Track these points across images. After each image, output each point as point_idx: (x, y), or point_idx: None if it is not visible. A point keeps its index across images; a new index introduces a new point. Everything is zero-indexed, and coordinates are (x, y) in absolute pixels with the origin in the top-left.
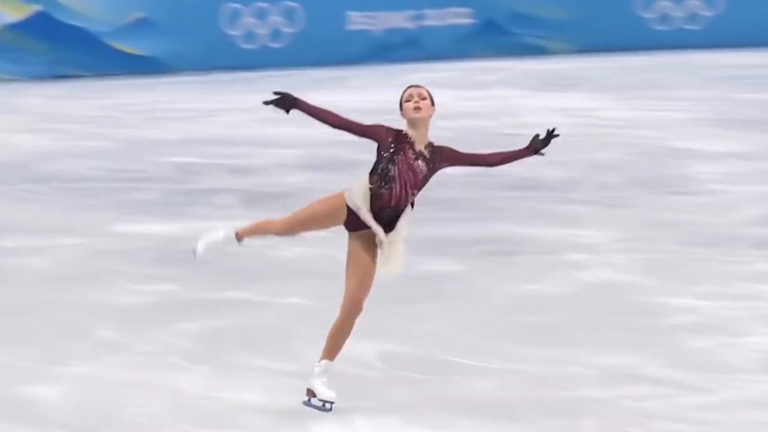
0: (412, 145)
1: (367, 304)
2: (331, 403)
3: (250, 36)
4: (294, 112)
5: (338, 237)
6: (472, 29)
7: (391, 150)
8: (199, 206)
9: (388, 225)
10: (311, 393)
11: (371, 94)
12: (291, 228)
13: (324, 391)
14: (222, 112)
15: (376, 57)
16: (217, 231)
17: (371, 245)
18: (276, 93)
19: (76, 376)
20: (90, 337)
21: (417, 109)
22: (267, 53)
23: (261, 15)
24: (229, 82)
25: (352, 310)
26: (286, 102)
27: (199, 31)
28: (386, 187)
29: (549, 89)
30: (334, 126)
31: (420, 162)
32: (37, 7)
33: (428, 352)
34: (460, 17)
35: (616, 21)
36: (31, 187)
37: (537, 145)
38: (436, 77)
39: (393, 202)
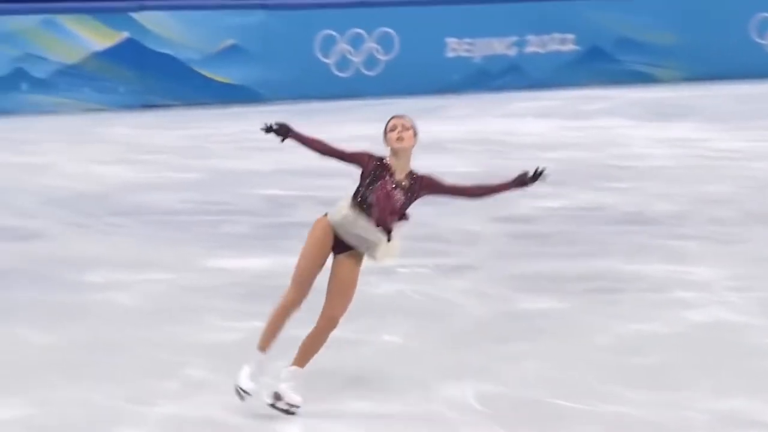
0: (392, 174)
1: (465, 342)
2: (296, 407)
3: (344, 63)
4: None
5: (435, 274)
6: (576, 56)
7: (372, 178)
8: (290, 240)
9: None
10: (277, 396)
11: (470, 123)
12: (298, 288)
13: (291, 396)
14: None
15: (476, 85)
16: (245, 367)
17: (354, 265)
18: (277, 123)
19: (163, 416)
20: (178, 376)
21: (400, 139)
22: (361, 81)
23: (355, 42)
24: (322, 111)
25: (327, 326)
26: (282, 131)
27: (292, 59)
28: (366, 212)
29: (657, 119)
30: (322, 153)
31: (398, 191)
32: (125, 34)
33: (529, 394)
34: (563, 43)
35: (728, 47)
36: (118, 220)
37: (524, 180)
38: (538, 106)
39: (377, 216)
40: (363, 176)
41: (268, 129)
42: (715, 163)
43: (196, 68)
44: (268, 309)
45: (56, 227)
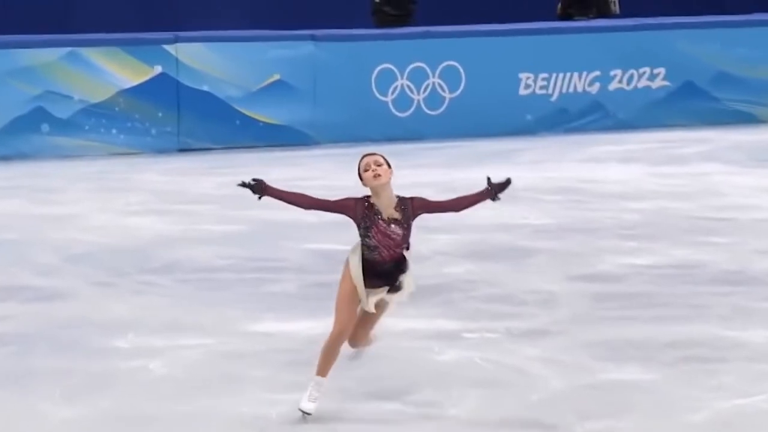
0: (380, 214)
1: (541, 418)
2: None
3: (403, 101)
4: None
5: (507, 340)
6: (667, 93)
7: (365, 224)
8: None
9: (392, 274)
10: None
11: (546, 169)
12: (343, 324)
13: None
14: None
15: (552, 126)
16: (308, 390)
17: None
18: (253, 179)
19: None
20: None
21: (377, 176)
22: (423, 121)
23: (417, 77)
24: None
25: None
26: (258, 188)
27: (346, 96)
28: (374, 253)
29: (760, 165)
30: (306, 208)
31: (393, 227)
32: (158, 69)
33: None
34: (653, 79)
35: None
36: (150, 279)
37: (495, 189)
38: (624, 150)
39: (388, 260)
40: (357, 223)
41: (243, 185)
42: None
43: (238, 107)
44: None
45: (81, 286)
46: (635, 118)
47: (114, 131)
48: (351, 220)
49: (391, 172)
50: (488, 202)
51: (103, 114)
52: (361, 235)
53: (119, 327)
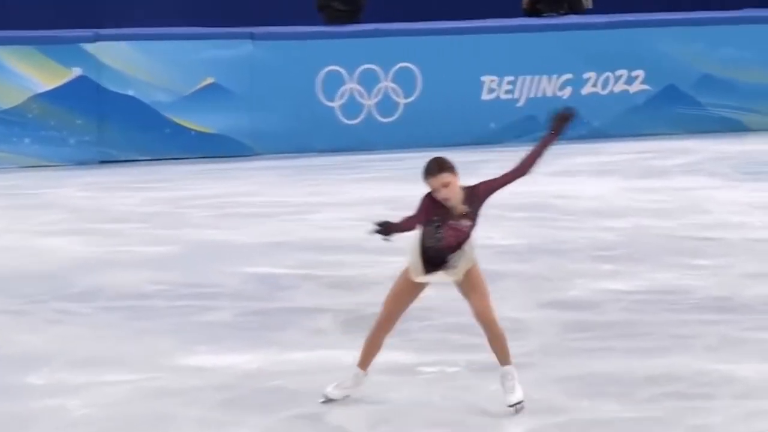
0: (450, 212)
1: None
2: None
3: (352, 108)
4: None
5: (469, 374)
6: (647, 98)
7: (436, 223)
8: (286, 331)
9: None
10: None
11: (512, 184)
12: (388, 310)
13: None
14: (318, 207)
15: (519, 135)
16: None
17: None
18: (377, 224)
19: None
20: None
21: (447, 199)
22: (375, 130)
23: (367, 80)
24: (325, 167)
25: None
26: (387, 229)
27: (288, 102)
28: (440, 242)
29: (750, 178)
30: (413, 229)
31: (463, 221)
32: (76, 71)
33: None
34: (631, 83)
35: None
36: (69, 307)
37: (558, 123)
38: (599, 162)
39: (454, 245)
40: (425, 222)
41: (376, 231)
42: None
43: (167, 114)
44: (254, 418)
45: None
46: (611, 126)
47: (27, 141)
48: None
49: (458, 181)
50: None
51: (14, 121)
52: (429, 230)
53: (33, 361)
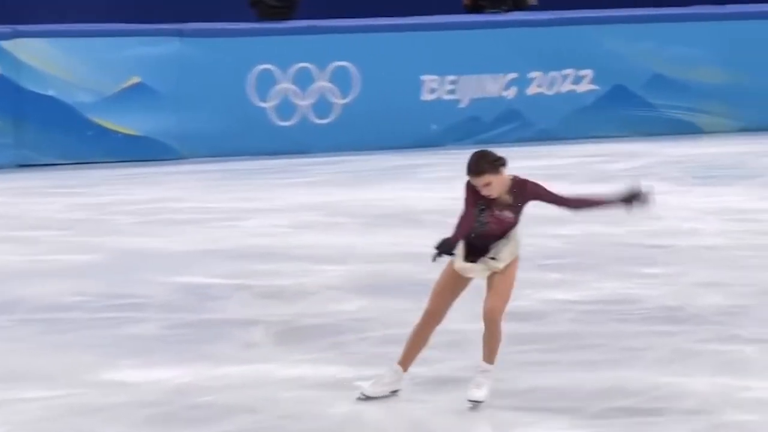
0: (495, 202)
1: None
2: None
3: (286, 109)
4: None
5: (410, 390)
6: (595, 99)
7: (480, 207)
8: (218, 344)
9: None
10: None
11: (454, 188)
12: (432, 307)
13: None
14: (250, 213)
15: (461, 137)
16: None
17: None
18: (438, 246)
19: None
20: None
21: (490, 195)
22: (310, 132)
23: (302, 80)
24: (257, 171)
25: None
26: (449, 246)
27: (218, 102)
28: (484, 228)
29: (702, 183)
30: (471, 225)
31: (506, 212)
32: None
33: None
34: (579, 82)
35: None
36: None
37: (633, 201)
38: (544, 165)
39: (499, 233)
40: (469, 207)
41: (440, 255)
42: None
43: (90, 115)
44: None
45: None
46: (558, 128)
47: None
48: None
49: (499, 176)
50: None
51: None
52: (474, 212)
53: None
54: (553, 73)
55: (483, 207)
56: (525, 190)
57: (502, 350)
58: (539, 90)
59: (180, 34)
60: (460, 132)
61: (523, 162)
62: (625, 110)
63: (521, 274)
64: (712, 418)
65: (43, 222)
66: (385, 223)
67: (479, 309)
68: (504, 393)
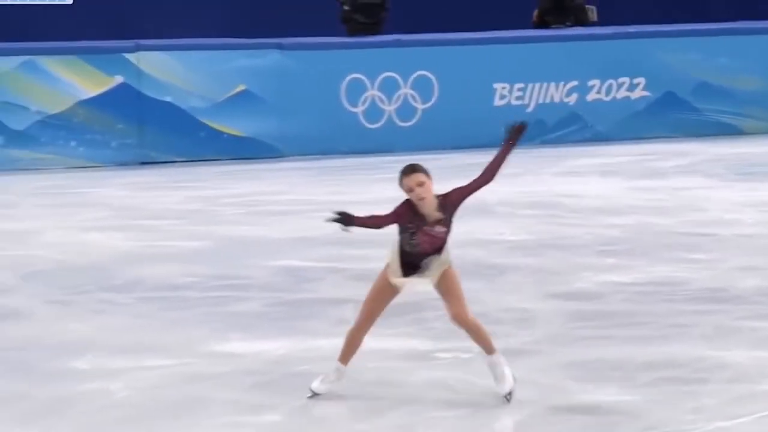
0: (424, 220)
1: None
2: (316, 393)
3: (374, 113)
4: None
5: (479, 359)
6: (647, 104)
7: (410, 230)
8: (312, 320)
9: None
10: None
11: (521, 183)
12: (367, 311)
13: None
14: (342, 205)
15: (529, 139)
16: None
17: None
18: (338, 213)
19: None
20: None
21: (421, 199)
22: (395, 133)
23: (388, 87)
24: (348, 168)
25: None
26: (347, 220)
27: (314, 107)
28: (417, 248)
29: (743, 179)
30: (378, 228)
31: (437, 228)
32: (118, 79)
33: None
34: (633, 89)
35: None
36: (111, 297)
37: (513, 134)
38: (602, 163)
39: (430, 251)
40: (400, 229)
41: (333, 220)
42: None
43: (202, 118)
44: (283, 400)
45: (37, 305)
46: (614, 130)
47: (72, 144)
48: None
49: (431, 184)
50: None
51: (61, 125)
52: (404, 237)
53: (77, 348)
54: (610, 81)
55: (413, 230)
56: (451, 200)
57: (566, 326)
58: (597, 96)
59: (280, 47)
60: (528, 133)
61: (582, 160)
62: (674, 114)
63: (581, 260)
64: (749, 387)
65: (160, 212)
66: (461, 214)
67: (543, 289)
68: (564, 364)
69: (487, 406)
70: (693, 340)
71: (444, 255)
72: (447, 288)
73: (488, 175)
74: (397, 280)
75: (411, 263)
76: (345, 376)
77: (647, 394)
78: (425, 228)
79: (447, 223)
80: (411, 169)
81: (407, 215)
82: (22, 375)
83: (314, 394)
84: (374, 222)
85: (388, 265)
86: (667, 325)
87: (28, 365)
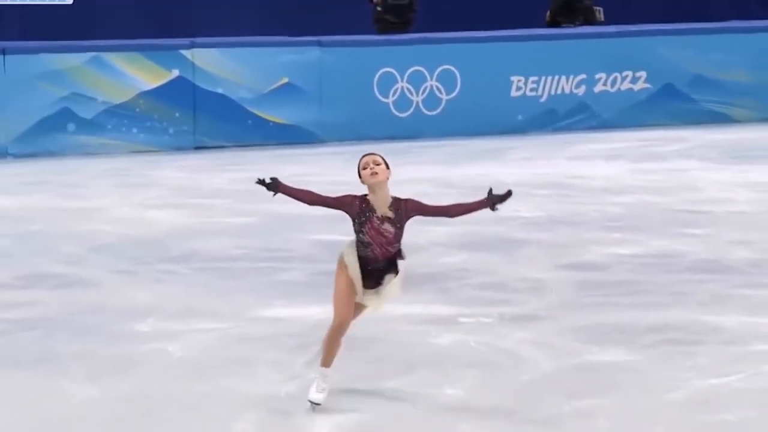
0: (374, 211)
1: (532, 396)
2: (316, 404)
3: (403, 103)
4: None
5: (500, 324)
6: (648, 95)
7: (360, 220)
8: None
9: (382, 274)
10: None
11: (535, 166)
12: (342, 315)
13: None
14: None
15: (542, 126)
16: (315, 382)
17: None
18: (270, 177)
19: None
20: (230, 430)
21: (374, 174)
22: (422, 121)
23: (416, 80)
24: (381, 152)
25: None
26: (273, 185)
27: (349, 98)
28: (368, 250)
29: (735, 161)
30: (310, 204)
31: (386, 225)
32: (175, 73)
33: None
34: (635, 82)
35: None
36: (169, 267)
37: (494, 200)
38: (607, 148)
39: (381, 258)
40: (352, 219)
41: (260, 183)
42: None
43: (249, 108)
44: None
45: (103, 275)
46: (619, 118)
47: (134, 130)
48: (348, 216)
49: (389, 173)
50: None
51: (124, 114)
52: (355, 231)
53: (140, 312)
54: (614, 74)
55: (361, 221)
56: (406, 206)
57: (575, 294)
58: (604, 88)
59: (320, 44)
60: (541, 122)
61: (590, 145)
62: (672, 104)
63: (589, 235)
64: (741, 348)
65: (212, 192)
66: (481, 194)
67: (554, 261)
68: (574, 328)
69: (504, 367)
70: (690, 306)
71: (397, 280)
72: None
73: (452, 211)
74: (360, 297)
75: (371, 274)
76: (332, 378)
77: (648, 354)
78: (374, 220)
79: (397, 227)
80: (372, 153)
81: (355, 205)
82: (91, 336)
83: (317, 404)
84: (306, 196)
85: (343, 258)
86: (666, 293)
87: (95, 328)
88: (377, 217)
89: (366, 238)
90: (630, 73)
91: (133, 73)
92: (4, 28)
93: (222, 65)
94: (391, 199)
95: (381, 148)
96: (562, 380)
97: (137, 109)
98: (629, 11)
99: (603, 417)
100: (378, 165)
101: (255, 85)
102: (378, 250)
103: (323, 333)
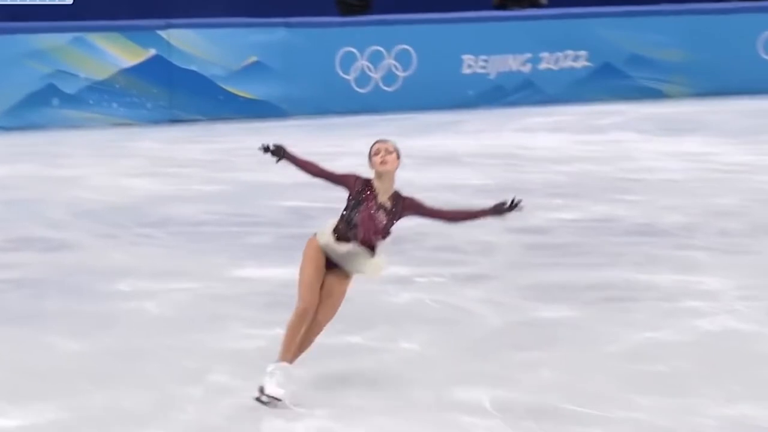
0: (375, 196)
1: (481, 350)
2: (278, 400)
3: (363, 79)
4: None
5: (452, 283)
6: (588, 72)
7: (357, 199)
8: None
9: (353, 259)
10: (261, 390)
11: (485, 138)
12: (306, 299)
13: (271, 387)
14: (336, 155)
15: (491, 101)
16: (272, 374)
17: (343, 279)
18: (274, 144)
19: (188, 421)
20: (203, 382)
21: (383, 162)
22: (380, 97)
23: (375, 59)
24: (341, 125)
25: (313, 329)
26: (278, 152)
27: (313, 75)
28: (351, 231)
29: (667, 133)
30: (313, 175)
31: (380, 213)
32: (152, 52)
33: (544, 400)
34: (576, 60)
35: (736, 63)
36: (146, 231)
37: (501, 210)
38: (550, 121)
39: (359, 242)
40: (349, 198)
41: (266, 149)
42: (724, 177)
43: (221, 84)
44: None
45: (86, 238)
46: (561, 94)
47: (114, 105)
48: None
49: (398, 163)
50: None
51: (105, 90)
52: (347, 207)
53: (119, 273)
54: (557, 54)
55: (358, 202)
56: (404, 203)
57: (521, 255)
58: (548, 66)
59: (286, 25)
60: (490, 97)
61: (536, 118)
62: (611, 81)
63: (535, 201)
64: (672, 304)
65: (187, 162)
66: (435, 163)
67: (502, 225)
68: (519, 286)
69: (456, 322)
70: (626, 266)
71: (376, 264)
72: (338, 293)
73: (453, 217)
74: (325, 241)
75: (343, 234)
76: (292, 374)
77: (588, 311)
78: (372, 204)
79: (389, 218)
80: (385, 140)
81: (357, 185)
82: (74, 296)
83: (277, 400)
84: (311, 168)
85: (318, 234)
86: (605, 254)
87: (79, 287)
88: (375, 203)
89: (356, 219)
90: (572, 52)
91: (113, 52)
92: None
93: (196, 44)
94: (393, 191)
95: (343, 122)
96: (509, 335)
97: (117, 86)
98: None
99: (547, 368)
100: (390, 153)
101: (226, 62)
102: (362, 234)
103: (290, 291)
